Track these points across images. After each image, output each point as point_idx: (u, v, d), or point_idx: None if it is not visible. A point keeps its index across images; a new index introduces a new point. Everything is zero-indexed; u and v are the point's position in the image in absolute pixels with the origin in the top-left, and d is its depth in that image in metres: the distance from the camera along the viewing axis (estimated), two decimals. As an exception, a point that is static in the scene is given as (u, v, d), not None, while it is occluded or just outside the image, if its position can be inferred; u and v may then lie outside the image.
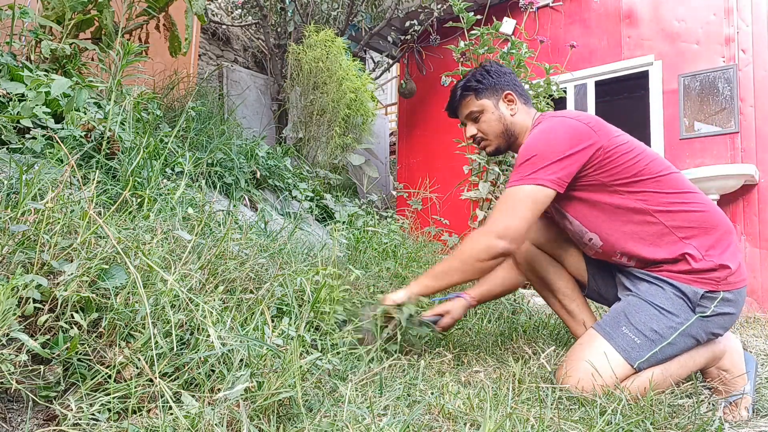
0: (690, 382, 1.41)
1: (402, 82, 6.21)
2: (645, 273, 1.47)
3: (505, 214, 1.43)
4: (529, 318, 2.33)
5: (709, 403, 1.37)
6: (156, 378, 0.93)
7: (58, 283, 1.01)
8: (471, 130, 1.68)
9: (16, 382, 0.87)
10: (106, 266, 1.08)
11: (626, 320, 1.40)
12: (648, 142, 4.47)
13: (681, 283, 1.40)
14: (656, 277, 1.44)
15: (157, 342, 0.98)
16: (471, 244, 1.47)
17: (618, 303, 1.50)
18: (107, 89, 2.31)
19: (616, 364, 1.35)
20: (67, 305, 0.99)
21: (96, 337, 1.01)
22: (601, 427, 1.04)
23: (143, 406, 0.94)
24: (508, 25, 5.02)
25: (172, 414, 0.88)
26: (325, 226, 3.43)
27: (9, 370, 0.86)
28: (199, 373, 1.00)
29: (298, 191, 3.57)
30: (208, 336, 1.02)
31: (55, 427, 0.86)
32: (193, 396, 0.94)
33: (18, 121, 1.88)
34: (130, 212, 1.56)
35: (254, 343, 1.07)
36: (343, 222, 3.44)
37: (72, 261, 1.06)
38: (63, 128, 1.94)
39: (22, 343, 0.89)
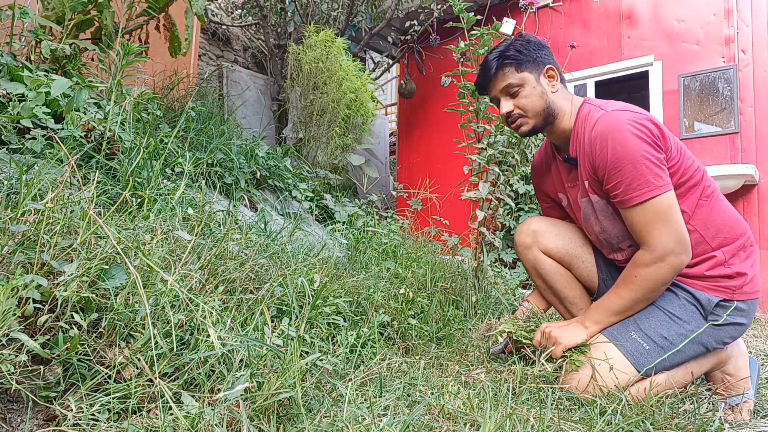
0: (691, 386, 1.41)
1: (402, 82, 6.22)
2: None
3: (668, 228, 1.32)
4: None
5: (710, 404, 1.37)
6: (156, 378, 0.93)
7: (58, 284, 1.01)
8: (507, 105, 1.50)
9: (16, 382, 0.87)
10: (106, 266, 1.08)
11: (635, 325, 1.39)
12: (648, 143, 4.45)
13: (696, 289, 1.39)
14: None
15: (157, 342, 0.98)
16: (651, 270, 1.34)
17: None
18: (107, 89, 2.31)
19: (623, 369, 1.34)
20: (67, 305, 0.98)
21: (96, 337, 1.01)
22: (601, 427, 1.04)
23: (143, 407, 0.93)
24: (508, 25, 5.02)
25: (172, 414, 0.88)
26: (325, 226, 3.43)
27: (9, 370, 0.86)
28: (199, 373, 1.00)
29: (298, 191, 3.57)
30: (208, 336, 1.02)
31: (55, 428, 0.86)
32: (193, 396, 0.94)
33: (18, 122, 1.88)
34: (130, 212, 1.56)
35: (254, 344, 1.07)
36: (343, 222, 3.44)
37: (72, 261, 1.06)
38: (63, 128, 1.94)
39: (22, 344, 0.89)
